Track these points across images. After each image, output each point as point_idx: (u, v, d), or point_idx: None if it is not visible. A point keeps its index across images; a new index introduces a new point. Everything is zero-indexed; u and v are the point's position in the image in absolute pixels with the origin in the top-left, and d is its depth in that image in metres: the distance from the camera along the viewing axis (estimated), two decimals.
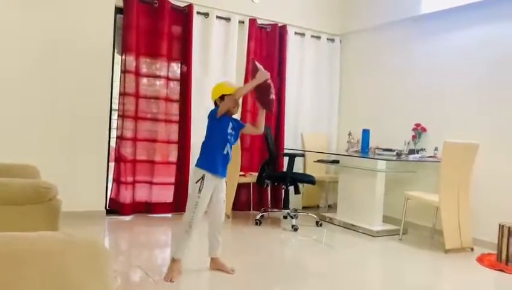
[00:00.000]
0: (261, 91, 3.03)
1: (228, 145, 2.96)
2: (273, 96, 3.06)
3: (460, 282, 3.36)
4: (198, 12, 5.00)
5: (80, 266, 1.00)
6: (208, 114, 3.01)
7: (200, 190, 2.87)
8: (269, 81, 3.01)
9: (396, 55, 5.32)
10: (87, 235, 1.10)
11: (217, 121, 2.94)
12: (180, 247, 2.92)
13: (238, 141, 4.75)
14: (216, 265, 3.06)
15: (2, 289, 0.88)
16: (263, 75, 2.93)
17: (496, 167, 4.18)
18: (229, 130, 2.96)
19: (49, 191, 2.11)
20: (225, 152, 2.95)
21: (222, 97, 2.96)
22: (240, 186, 5.09)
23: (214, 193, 2.97)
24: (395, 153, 4.64)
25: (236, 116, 3.23)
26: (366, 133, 4.99)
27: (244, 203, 5.34)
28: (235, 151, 4.74)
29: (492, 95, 4.29)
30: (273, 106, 3.15)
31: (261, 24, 5.45)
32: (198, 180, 2.89)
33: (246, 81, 5.25)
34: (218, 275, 2.99)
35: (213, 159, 2.92)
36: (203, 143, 3.01)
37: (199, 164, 2.94)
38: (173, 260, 2.91)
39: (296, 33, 5.71)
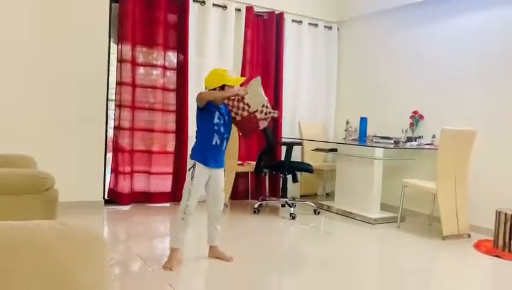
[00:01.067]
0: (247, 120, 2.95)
1: (217, 136, 2.89)
2: (274, 115, 3.03)
3: (458, 268, 3.39)
4: (194, 0, 4.95)
5: (76, 254, 1.00)
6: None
7: (192, 178, 2.88)
8: (262, 116, 2.93)
9: (394, 43, 5.29)
10: (83, 224, 1.10)
11: (202, 111, 2.89)
12: (178, 236, 2.93)
13: (235, 130, 4.76)
14: (214, 253, 3.07)
15: (1, 276, 0.88)
16: (240, 91, 2.88)
17: (493, 154, 4.19)
18: (216, 120, 2.89)
19: (46, 181, 2.11)
20: (214, 143, 2.89)
21: (222, 87, 2.90)
22: (238, 175, 5.10)
23: (210, 182, 2.96)
24: (392, 140, 4.64)
25: None
26: (363, 121, 4.98)
27: (242, 192, 5.35)
28: (232, 141, 4.76)
29: (490, 82, 4.28)
30: (250, 134, 3.15)
31: (258, 12, 5.41)
32: (190, 168, 2.91)
33: (242, 72, 5.22)
34: (216, 264, 3.01)
35: (202, 152, 2.91)
36: (196, 134, 3.00)
37: (191, 156, 2.96)
38: (172, 249, 2.92)
39: (293, 21, 5.67)
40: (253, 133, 3.04)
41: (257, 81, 3.01)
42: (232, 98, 2.89)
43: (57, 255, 0.98)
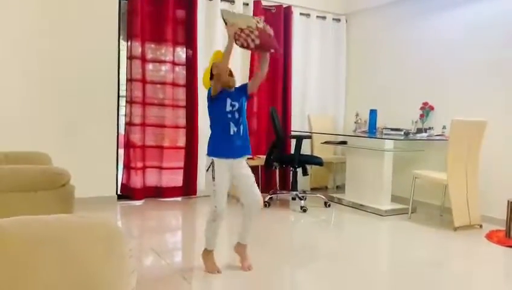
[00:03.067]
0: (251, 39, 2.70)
1: (232, 124, 2.72)
2: (271, 32, 2.75)
3: (470, 258, 3.39)
4: None
5: (96, 247, 1.04)
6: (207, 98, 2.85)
7: (213, 178, 2.71)
8: (253, 24, 2.69)
9: (402, 33, 5.26)
10: (101, 218, 1.14)
11: (212, 102, 2.76)
12: (209, 238, 2.81)
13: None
14: (239, 250, 2.91)
15: (24, 270, 0.92)
16: (231, 28, 2.70)
17: (504, 144, 4.16)
18: (228, 108, 2.72)
19: (63, 177, 2.16)
20: (231, 132, 2.71)
21: (212, 77, 2.76)
22: None
23: (236, 174, 2.76)
24: (402, 132, 4.63)
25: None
26: (373, 113, 4.97)
27: None
28: None
29: (500, 72, 4.24)
30: (274, 43, 2.81)
31: (266, 5, 5.40)
32: (208, 168, 2.76)
33: (251, 67, 5.23)
34: (231, 258, 3.03)
35: (218, 145, 2.76)
36: (211, 128, 2.86)
37: (207, 152, 2.81)
38: (205, 250, 2.82)
39: (301, 14, 5.66)
40: (275, 44, 2.81)
41: (225, 12, 2.86)
42: (236, 39, 2.71)
43: (77, 247, 1.01)
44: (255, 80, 2.91)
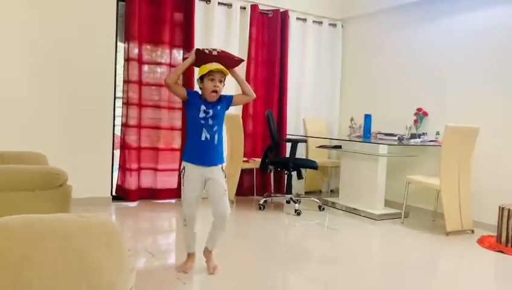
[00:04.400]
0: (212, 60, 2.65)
1: (205, 129, 2.61)
2: (216, 52, 2.68)
3: (461, 263, 3.43)
4: None
5: (96, 245, 1.06)
6: None
7: (183, 183, 2.68)
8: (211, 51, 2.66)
9: (397, 40, 5.32)
10: (101, 217, 1.16)
11: (187, 106, 2.69)
12: (186, 242, 2.83)
13: (241, 127, 4.81)
14: (205, 253, 2.86)
15: (27, 267, 0.94)
16: (191, 55, 2.68)
17: (497, 150, 4.22)
18: (201, 114, 2.61)
19: (60, 177, 2.17)
20: (203, 138, 2.61)
21: (201, 78, 2.66)
22: (243, 172, 5.15)
23: (207, 182, 2.68)
24: (396, 137, 4.68)
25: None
26: (368, 118, 5.02)
27: (247, 189, 5.41)
28: (237, 139, 4.82)
29: (493, 79, 4.30)
30: (234, 59, 2.77)
31: (263, 10, 5.45)
32: (180, 172, 2.72)
33: (247, 70, 5.27)
34: (225, 259, 3.05)
35: (189, 149, 2.70)
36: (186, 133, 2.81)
37: (181, 157, 2.78)
38: (188, 254, 2.85)
39: (297, 18, 5.71)
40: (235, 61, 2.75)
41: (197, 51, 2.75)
42: (198, 51, 2.67)
43: (78, 245, 1.03)
44: (243, 99, 2.91)
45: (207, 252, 2.84)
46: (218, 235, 2.75)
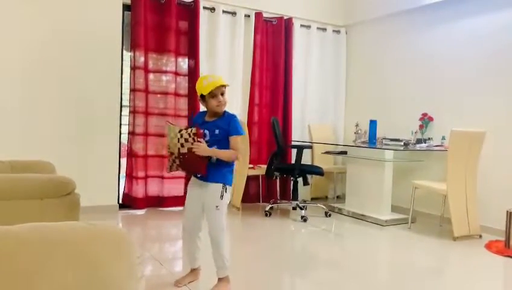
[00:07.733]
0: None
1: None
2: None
3: (469, 268, 3.41)
4: (204, 7, 5.05)
5: (106, 252, 1.07)
6: None
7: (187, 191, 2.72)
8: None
9: (402, 45, 5.33)
10: (110, 225, 1.17)
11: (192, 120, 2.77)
12: (187, 255, 2.81)
13: (247, 134, 4.82)
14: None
15: (38, 273, 0.96)
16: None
17: (503, 154, 4.20)
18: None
19: (68, 185, 2.20)
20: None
21: (202, 97, 2.57)
22: (249, 178, 5.16)
23: (202, 198, 2.61)
24: (402, 142, 4.68)
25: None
26: (373, 123, 5.02)
27: (253, 195, 5.42)
28: (243, 145, 4.83)
29: (498, 83, 4.30)
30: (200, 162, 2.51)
31: (267, 17, 5.48)
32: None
33: (252, 78, 5.31)
34: (232, 266, 3.05)
35: None
36: None
37: None
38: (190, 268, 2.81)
39: (301, 25, 5.74)
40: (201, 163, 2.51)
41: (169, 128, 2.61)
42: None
43: (88, 252, 1.05)
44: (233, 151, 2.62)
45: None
46: (214, 256, 2.61)
